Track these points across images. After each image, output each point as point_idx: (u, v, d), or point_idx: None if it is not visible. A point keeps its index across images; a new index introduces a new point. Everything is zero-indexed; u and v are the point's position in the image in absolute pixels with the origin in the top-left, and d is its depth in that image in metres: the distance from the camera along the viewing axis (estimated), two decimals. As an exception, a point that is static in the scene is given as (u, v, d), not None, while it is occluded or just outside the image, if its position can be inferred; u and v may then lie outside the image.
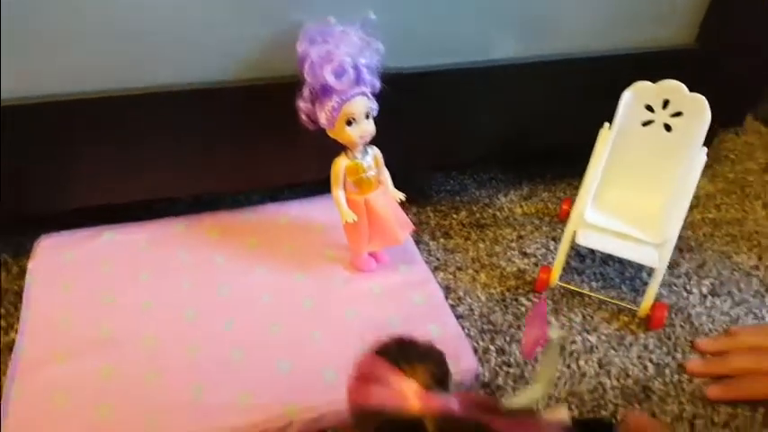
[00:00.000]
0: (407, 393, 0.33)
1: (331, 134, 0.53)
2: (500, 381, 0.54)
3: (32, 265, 0.59)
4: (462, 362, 0.52)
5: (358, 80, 0.50)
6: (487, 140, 0.70)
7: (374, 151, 0.56)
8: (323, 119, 0.52)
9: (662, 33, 0.67)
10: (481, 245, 0.69)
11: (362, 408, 0.34)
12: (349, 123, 0.51)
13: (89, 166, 0.58)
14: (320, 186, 0.67)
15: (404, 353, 0.35)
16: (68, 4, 0.49)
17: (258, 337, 0.53)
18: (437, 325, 0.55)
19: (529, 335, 0.40)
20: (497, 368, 0.55)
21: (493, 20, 0.61)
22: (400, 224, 0.58)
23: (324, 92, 0.51)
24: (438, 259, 0.67)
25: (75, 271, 0.58)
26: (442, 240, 0.70)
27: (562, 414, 0.38)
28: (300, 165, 0.63)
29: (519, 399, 0.39)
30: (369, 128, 0.53)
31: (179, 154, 0.59)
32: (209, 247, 0.62)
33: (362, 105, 0.51)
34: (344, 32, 0.50)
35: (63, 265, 0.59)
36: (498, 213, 0.74)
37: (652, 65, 0.66)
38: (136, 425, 0.46)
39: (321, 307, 0.57)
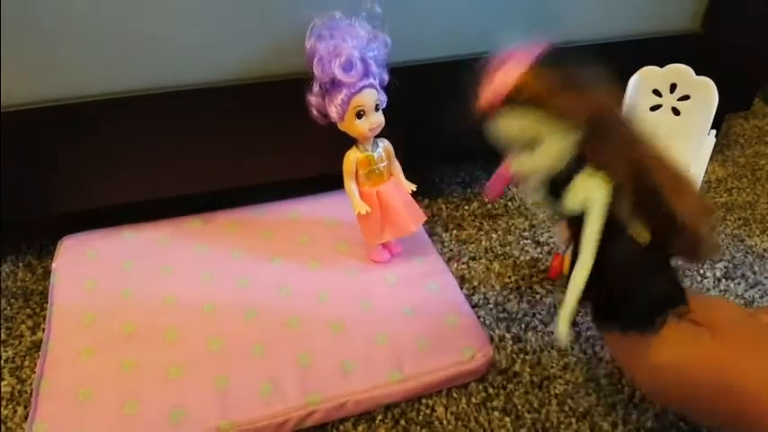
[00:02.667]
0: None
1: (341, 127, 0.54)
2: (517, 367, 0.55)
3: (56, 265, 0.61)
4: (477, 349, 0.53)
5: (366, 73, 0.51)
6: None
7: (384, 143, 0.57)
8: (333, 112, 0.53)
9: (667, 19, 0.67)
10: (494, 235, 0.70)
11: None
12: (359, 116, 0.52)
13: (101, 168, 0.59)
14: (331, 182, 0.68)
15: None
16: (75, 10, 0.50)
17: (277, 331, 0.54)
18: (453, 314, 0.56)
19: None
20: (514, 355, 0.56)
21: (497, 10, 0.62)
22: (412, 215, 0.59)
23: (333, 86, 0.52)
24: (451, 250, 0.68)
25: (97, 268, 0.60)
26: (454, 232, 0.70)
27: None
28: (311, 159, 0.64)
29: None
30: (378, 120, 0.54)
31: (190, 152, 0.61)
32: (226, 242, 0.64)
33: (371, 97, 0.52)
34: (351, 26, 0.51)
35: (86, 263, 0.61)
36: (510, 203, 0.75)
37: (658, 51, 0.66)
38: (160, 420, 0.47)
39: (337, 299, 0.57)
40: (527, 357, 0.56)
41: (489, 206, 0.74)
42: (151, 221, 0.66)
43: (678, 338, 0.40)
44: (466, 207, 0.74)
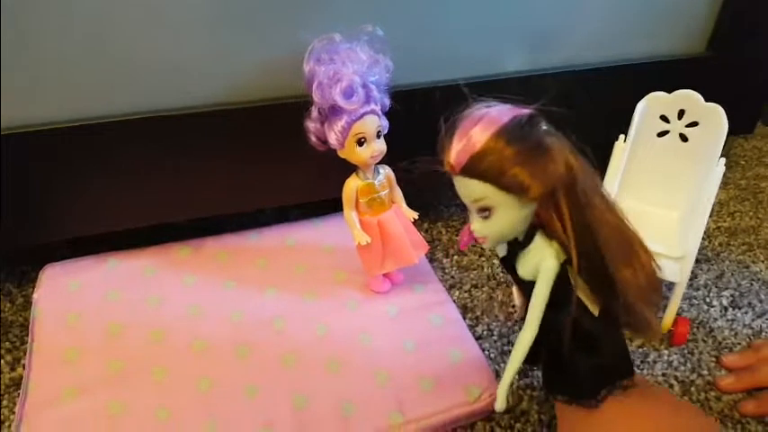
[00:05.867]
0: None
1: (341, 155, 0.52)
2: (524, 405, 0.52)
3: (38, 296, 0.58)
4: (484, 388, 0.50)
5: (368, 99, 0.49)
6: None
7: (386, 170, 0.55)
8: (332, 139, 0.50)
9: (672, 43, 0.66)
10: (495, 261, 0.68)
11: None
12: (360, 143, 0.50)
13: (90, 194, 0.56)
14: (329, 204, 0.65)
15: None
16: (69, 33, 0.48)
17: (272, 370, 0.51)
18: (457, 349, 0.54)
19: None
20: (521, 392, 0.53)
21: (501, 33, 0.60)
22: (414, 244, 0.57)
23: (333, 112, 0.49)
24: (453, 277, 0.65)
25: (81, 301, 0.57)
26: (455, 257, 0.68)
27: None
28: (310, 185, 0.62)
29: None
30: (380, 147, 0.51)
31: (185, 178, 0.58)
32: (217, 272, 0.61)
33: (373, 124, 0.50)
34: (351, 50, 0.49)
35: (69, 294, 0.57)
36: (510, 228, 0.73)
37: (663, 74, 0.65)
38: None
39: (335, 334, 0.55)
40: (534, 394, 0.54)
41: (490, 230, 0.72)
42: (137, 249, 0.63)
43: (620, 418, 0.41)
44: (466, 231, 0.72)
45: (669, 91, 0.58)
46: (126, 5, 0.48)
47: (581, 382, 0.42)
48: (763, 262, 0.69)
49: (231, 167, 0.59)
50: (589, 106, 0.66)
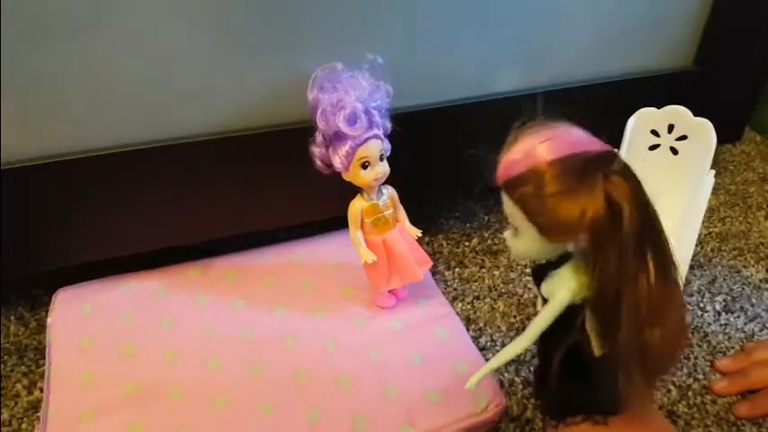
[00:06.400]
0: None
1: (346, 177, 0.54)
2: (528, 413, 0.54)
3: (52, 320, 0.59)
4: (490, 399, 0.52)
5: (370, 124, 0.51)
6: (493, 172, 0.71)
7: (389, 191, 0.57)
8: (337, 163, 0.52)
9: (660, 58, 0.68)
10: (496, 272, 0.70)
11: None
12: (364, 167, 0.52)
13: (99, 221, 0.58)
14: (334, 221, 0.67)
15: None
16: (70, 63, 0.49)
17: (285, 386, 0.53)
18: (463, 361, 0.56)
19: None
20: (525, 400, 0.55)
21: (491, 54, 0.62)
22: (418, 261, 0.59)
23: (337, 137, 0.51)
24: (455, 289, 0.67)
25: (95, 324, 0.58)
26: (457, 270, 0.70)
27: None
28: (316, 205, 0.63)
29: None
30: (383, 169, 0.53)
31: (193, 202, 0.60)
32: (227, 292, 0.62)
33: (376, 148, 0.52)
34: (353, 78, 0.51)
35: (83, 318, 0.59)
36: (509, 239, 0.75)
37: (652, 88, 0.67)
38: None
39: (344, 349, 0.57)
40: (539, 402, 0.56)
41: (489, 242, 0.74)
42: (148, 270, 0.65)
43: None
44: (467, 243, 0.74)
45: (659, 104, 0.60)
46: (129, 37, 0.49)
47: (556, 401, 0.43)
48: (753, 266, 0.71)
49: (239, 192, 0.61)
50: (580, 122, 0.68)
